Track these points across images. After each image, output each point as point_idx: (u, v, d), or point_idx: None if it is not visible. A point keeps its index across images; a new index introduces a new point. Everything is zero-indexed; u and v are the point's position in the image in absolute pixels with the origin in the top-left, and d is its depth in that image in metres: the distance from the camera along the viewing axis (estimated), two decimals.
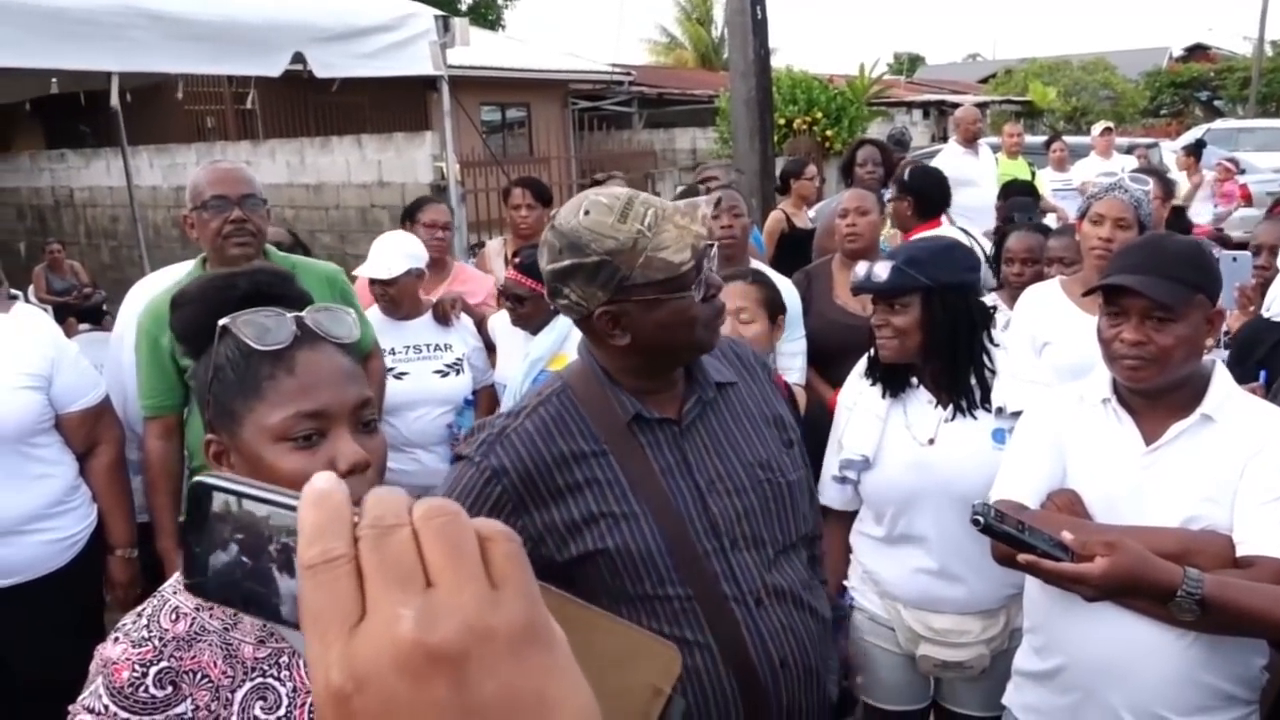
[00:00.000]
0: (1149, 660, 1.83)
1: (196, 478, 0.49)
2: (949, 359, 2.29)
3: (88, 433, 2.80)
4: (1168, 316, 1.83)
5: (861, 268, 2.37)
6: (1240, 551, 1.76)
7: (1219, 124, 19.07)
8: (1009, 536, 1.64)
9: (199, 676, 1.20)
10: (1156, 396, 1.91)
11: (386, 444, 1.32)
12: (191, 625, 1.23)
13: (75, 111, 11.71)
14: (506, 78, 16.00)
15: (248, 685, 1.23)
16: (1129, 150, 10.31)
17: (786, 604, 1.68)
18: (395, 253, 3.53)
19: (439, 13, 5.72)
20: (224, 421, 1.26)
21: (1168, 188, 4.83)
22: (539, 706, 0.41)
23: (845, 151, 5.74)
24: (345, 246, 9.82)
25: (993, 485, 2.03)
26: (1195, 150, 9.66)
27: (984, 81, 33.05)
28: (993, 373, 2.32)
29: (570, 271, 1.56)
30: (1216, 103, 33.85)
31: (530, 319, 3.40)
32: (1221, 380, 1.93)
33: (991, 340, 2.35)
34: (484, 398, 3.71)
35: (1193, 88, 34.56)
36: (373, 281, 3.50)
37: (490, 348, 3.77)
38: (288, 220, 10.44)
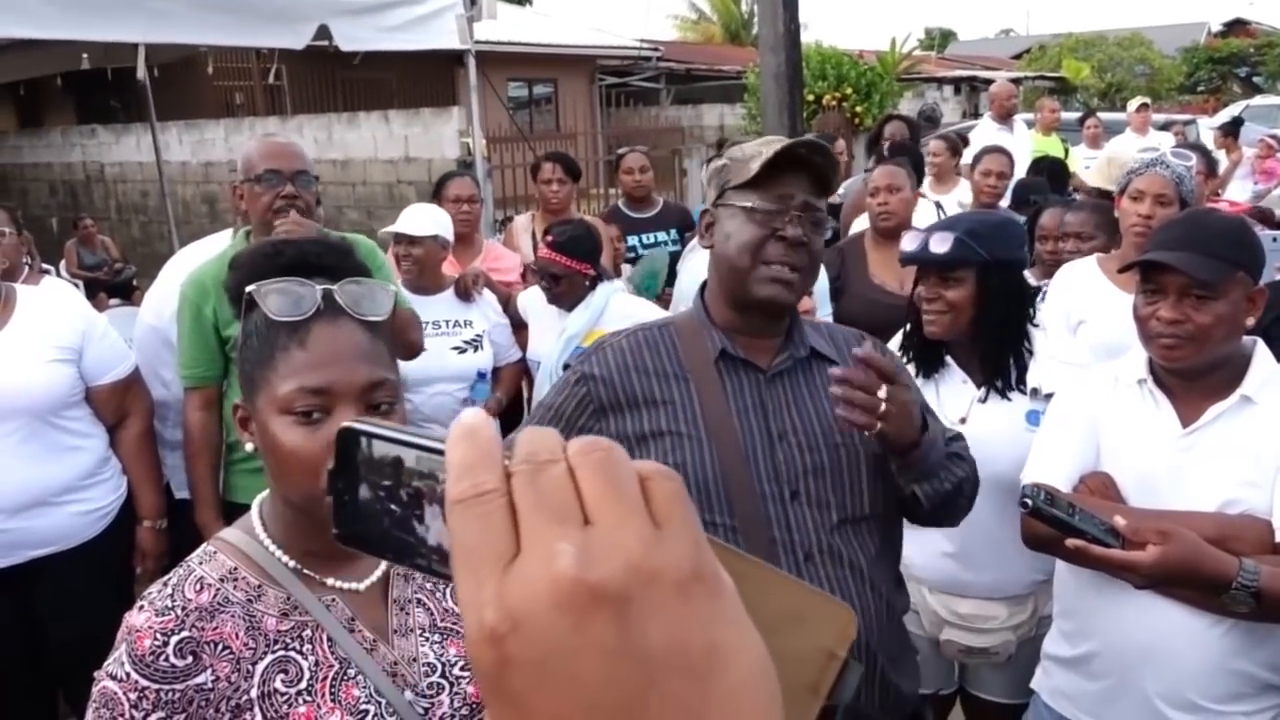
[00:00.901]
0: (1184, 647, 1.79)
1: (345, 422, 0.48)
2: (996, 337, 2.25)
3: (118, 405, 2.82)
4: (1207, 294, 1.78)
5: (913, 239, 2.28)
6: None
7: (1258, 100, 18.71)
8: (1059, 520, 1.61)
9: (220, 647, 1.20)
10: (1194, 377, 1.87)
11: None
12: (215, 596, 1.23)
13: (106, 87, 11.81)
14: (534, 53, 15.95)
15: (269, 658, 1.22)
16: (1165, 127, 10.12)
17: (843, 569, 1.65)
18: (425, 216, 3.58)
19: None
20: (247, 388, 1.27)
21: (1210, 163, 4.72)
22: (709, 657, 0.37)
23: (873, 127, 5.65)
24: (372, 223, 9.82)
25: (1024, 467, 2.00)
26: (1233, 129, 9.45)
27: (1017, 58, 32.54)
28: (1030, 353, 2.27)
29: (713, 170, 1.78)
30: (1256, 79, 33.16)
31: (565, 297, 3.41)
32: (1262, 360, 1.88)
33: (1033, 320, 2.30)
34: (508, 374, 3.71)
35: (1231, 64, 33.86)
36: (397, 241, 3.51)
37: (518, 325, 3.77)
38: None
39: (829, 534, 1.66)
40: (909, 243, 2.29)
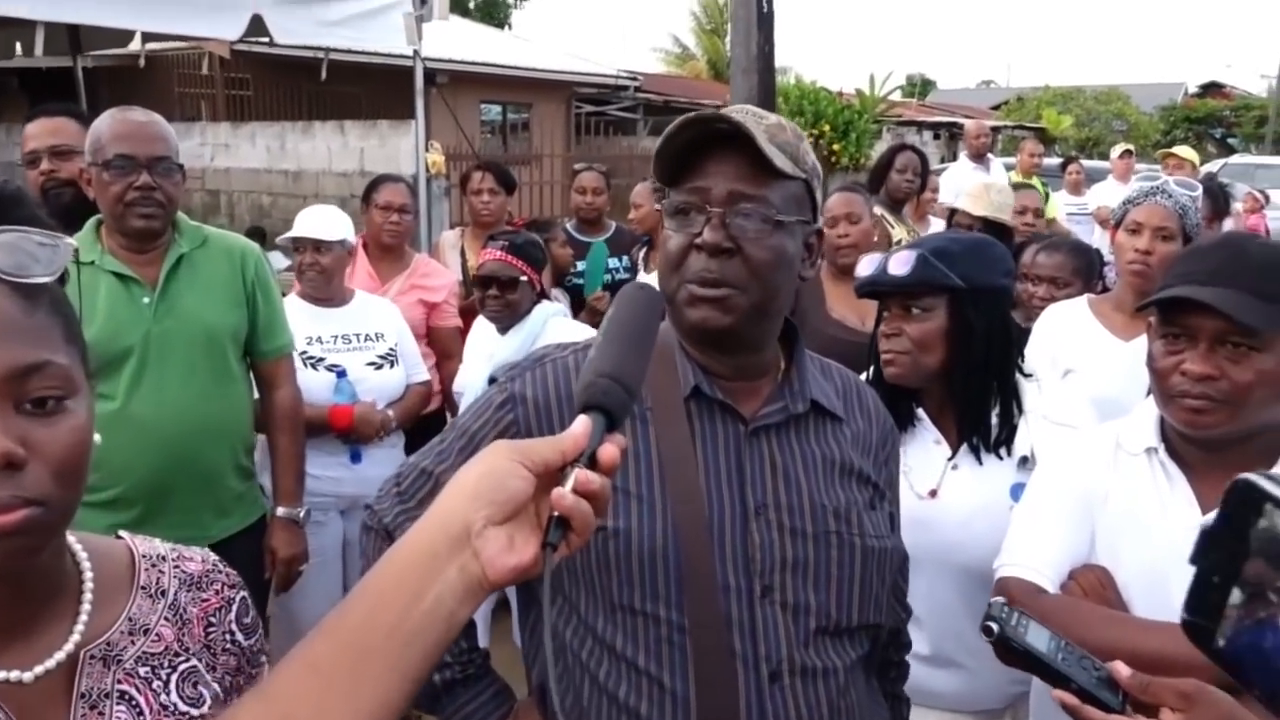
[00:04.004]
0: None
1: (1243, 475, 0.42)
2: (975, 384, 1.84)
3: None
4: (1249, 344, 1.38)
5: (870, 262, 1.92)
6: None
7: (1236, 159, 18.74)
8: (1035, 660, 1.17)
9: None
10: (1219, 448, 1.47)
11: (84, 431, 0.87)
12: None
13: (62, 87, 11.33)
14: (509, 76, 15.61)
15: None
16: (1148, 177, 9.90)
17: (815, 694, 1.25)
18: (331, 219, 3.21)
19: None
20: None
21: (1218, 205, 4.32)
22: None
23: (882, 155, 5.13)
24: None
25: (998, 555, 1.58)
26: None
27: (996, 108, 32.69)
28: (1020, 410, 1.86)
29: None
30: (1230, 140, 33.53)
31: (512, 310, 3.06)
32: None
33: (1022, 370, 1.89)
34: (412, 396, 3.27)
35: (1208, 124, 34.27)
36: (299, 248, 3.14)
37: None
38: (264, 208, 10.01)
39: (803, 647, 1.24)
40: (865, 267, 1.93)
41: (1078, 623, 1.39)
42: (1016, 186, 4.70)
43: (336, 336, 3.14)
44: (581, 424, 0.79)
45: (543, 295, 3.18)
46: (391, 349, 3.22)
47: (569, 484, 0.74)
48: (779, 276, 1.27)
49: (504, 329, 3.10)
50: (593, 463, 0.76)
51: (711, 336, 1.28)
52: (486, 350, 3.12)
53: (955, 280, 1.79)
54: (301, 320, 3.11)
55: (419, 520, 0.74)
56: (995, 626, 1.17)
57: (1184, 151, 6.95)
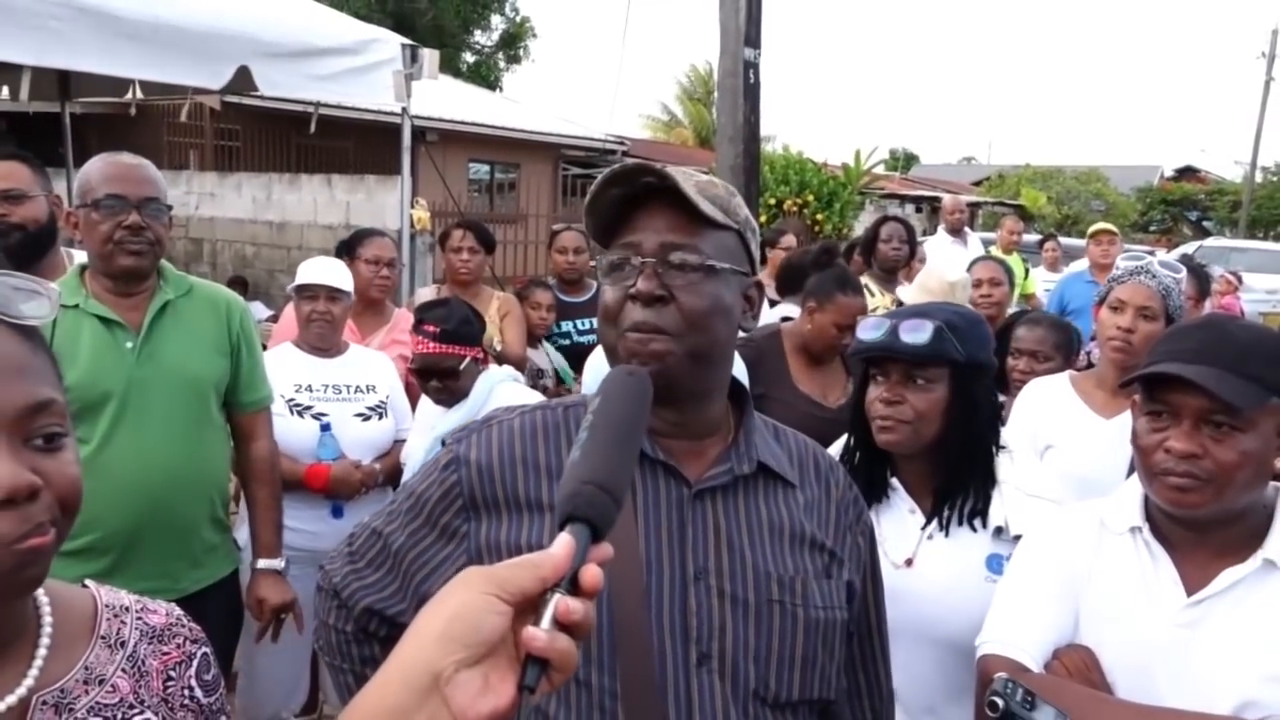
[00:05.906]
0: None
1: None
2: (961, 458, 1.82)
3: None
4: (1233, 423, 1.36)
5: (874, 325, 1.85)
6: None
7: (1211, 242, 19.06)
8: None
9: None
10: (1204, 529, 1.45)
11: (79, 465, 0.91)
12: None
13: (50, 132, 11.35)
14: (498, 136, 15.77)
15: None
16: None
17: None
18: (340, 270, 3.20)
19: (406, 41, 5.34)
20: None
21: (1202, 286, 4.36)
22: None
23: (869, 228, 5.27)
24: None
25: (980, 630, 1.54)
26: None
27: (977, 184, 33.27)
28: (993, 482, 1.83)
29: None
30: (1206, 223, 34.20)
31: (461, 391, 2.93)
32: None
33: (998, 442, 1.88)
34: (399, 450, 3.21)
35: (1183, 206, 34.98)
36: (310, 296, 3.09)
37: None
38: (247, 258, 9.99)
39: (741, 718, 1.20)
40: (869, 329, 1.85)
41: (1062, 703, 1.35)
42: (982, 258, 4.76)
43: (326, 386, 3.11)
44: (563, 544, 0.72)
45: (485, 361, 3.07)
46: (382, 401, 3.18)
47: (546, 617, 0.68)
48: (715, 323, 1.24)
49: (449, 405, 2.97)
50: (574, 585, 0.69)
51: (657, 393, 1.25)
52: (429, 423, 3.02)
53: (961, 354, 1.79)
54: (292, 367, 3.09)
55: (380, 670, 0.69)
56: (1000, 702, 1.13)
57: (1111, 226, 7.20)
